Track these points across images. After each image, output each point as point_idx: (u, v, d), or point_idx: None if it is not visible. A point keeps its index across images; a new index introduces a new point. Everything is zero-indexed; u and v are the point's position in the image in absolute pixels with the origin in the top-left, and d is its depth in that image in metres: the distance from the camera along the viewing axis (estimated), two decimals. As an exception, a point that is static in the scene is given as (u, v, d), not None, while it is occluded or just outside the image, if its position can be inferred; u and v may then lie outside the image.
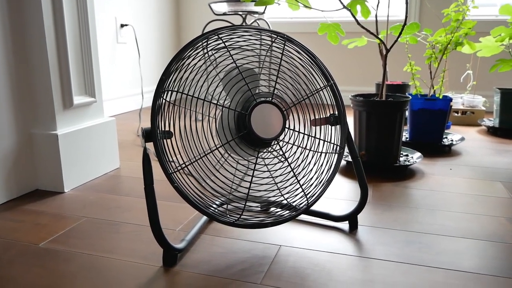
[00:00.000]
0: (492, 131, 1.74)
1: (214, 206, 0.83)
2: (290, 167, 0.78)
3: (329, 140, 0.83)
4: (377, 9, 1.18)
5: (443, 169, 1.25)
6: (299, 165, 0.80)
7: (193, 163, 0.73)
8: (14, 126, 1.02)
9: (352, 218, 0.87)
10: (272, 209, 0.90)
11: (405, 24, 1.18)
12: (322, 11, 1.20)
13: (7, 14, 0.98)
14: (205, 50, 0.77)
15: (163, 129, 0.76)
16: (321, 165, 0.82)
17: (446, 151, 1.45)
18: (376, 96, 1.32)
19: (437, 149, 1.45)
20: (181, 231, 0.86)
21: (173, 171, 0.72)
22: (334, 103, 0.86)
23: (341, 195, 1.05)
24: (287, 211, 0.79)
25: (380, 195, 1.05)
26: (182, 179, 0.72)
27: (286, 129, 0.78)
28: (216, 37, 0.78)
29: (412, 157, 1.29)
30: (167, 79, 0.75)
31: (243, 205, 0.74)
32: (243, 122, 0.76)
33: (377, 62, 2.45)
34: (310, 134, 0.81)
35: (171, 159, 0.74)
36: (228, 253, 0.77)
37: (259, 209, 0.88)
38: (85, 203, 1.00)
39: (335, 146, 0.84)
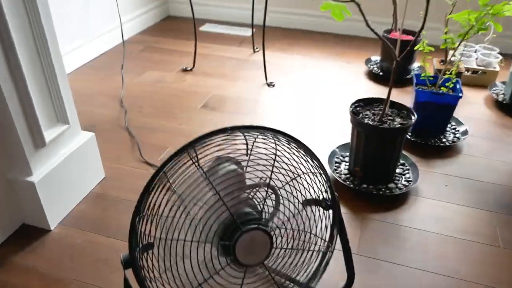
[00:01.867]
0: (499, 106, 1.63)
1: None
2: (276, 283, 0.76)
3: (319, 244, 0.79)
4: None
5: (438, 185, 1.22)
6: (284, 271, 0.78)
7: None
8: (-14, 173, 0.96)
9: (336, 299, 0.89)
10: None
11: None
12: None
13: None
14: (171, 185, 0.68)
15: (142, 243, 0.72)
16: (308, 265, 0.80)
17: (447, 150, 1.38)
18: (380, 104, 1.21)
19: (437, 148, 1.38)
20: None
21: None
22: (330, 194, 0.80)
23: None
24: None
25: (369, 240, 1.04)
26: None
27: (273, 249, 0.74)
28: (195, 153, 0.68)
29: (408, 169, 1.24)
30: (141, 215, 0.68)
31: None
32: (228, 248, 0.71)
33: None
34: (301, 248, 0.77)
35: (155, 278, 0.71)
36: None
37: None
38: (72, 253, 0.99)
39: (324, 243, 0.81)
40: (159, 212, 0.68)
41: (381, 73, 1.82)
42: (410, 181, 1.20)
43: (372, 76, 1.84)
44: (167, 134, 1.44)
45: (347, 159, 1.28)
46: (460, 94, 1.33)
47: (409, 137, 1.39)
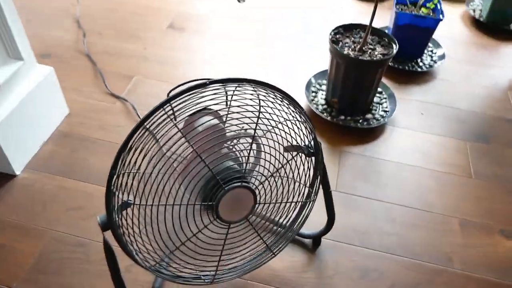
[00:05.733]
0: (476, 24, 1.58)
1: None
2: (260, 236, 0.76)
3: (301, 199, 0.78)
4: None
5: (415, 114, 1.21)
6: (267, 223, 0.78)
7: (163, 260, 0.70)
8: None
9: (316, 238, 0.91)
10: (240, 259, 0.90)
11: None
12: None
13: None
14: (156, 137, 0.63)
15: (119, 202, 0.69)
16: (291, 214, 0.80)
17: (424, 74, 1.36)
18: (360, 31, 1.14)
19: (414, 73, 1.35)
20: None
21: (146, 266, 0.69)
22: (313, 140, 0.77)
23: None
24: (257, 259, 0.81)
25: (347, 176, 1.05)
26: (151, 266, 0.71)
27: (257, 205, 0.73)
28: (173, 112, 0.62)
29: (385, 99, 1.22)
30: (116, 174, 0.63)
31: (215, 271, 0.76)
32: (210, 207, 0.69)
33: None
34: (285, 201, 0.75)
35: (136, 238, 0.70)
36: (199, 295, 0.82)
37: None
38: (44, 200, 0.95)
39: (305, 201, 0.80)
40: (138, 171, 0.64)
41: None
42: (387, 111, 1.18)
43: (350, -10, 1.73)
44: (132, 59, 1.33)
45: (324, 87, 1.24)
46: (441, 17, 1.27)
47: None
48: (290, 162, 0.73)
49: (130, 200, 0.67)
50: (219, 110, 0.69)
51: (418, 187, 1.04)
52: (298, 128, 0.73)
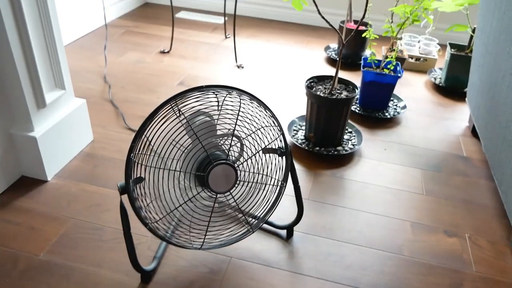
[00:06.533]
0: (436, 88, 1.90)
1: (177, 231, 1.02)
2: (240, 209, 0.97)
3: (274, 180, 1.01)
4: None
5: (379, 149, 1.46)
6: (247, 201, 0.99)
7: (164, 217, 0.90)
8: (-6, 128, 1.12)
9: (289, 228, 1.10)
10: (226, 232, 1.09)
11: None
12: None
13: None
14: (177, 115, 0.88)
15: (134, 176, 0.91)
16: (267, 197, 1.01)
17: (389, 121, 1.63)
18: (330, 81, 1.43)
19: (380, 120, 1.63)
20: (153, 238, 1.07)
21: (149, 222, 0.90)
22: (283, 144, 1.01)
23: (286, 205, 1.26)
24: (238, 233, 1.00)
25: (319, 189, 1.27)
26: (153, 222, 0.91)
27: (238, 181, 0.95)
28: (176, 105, 0.88)
29: (354, 136, 1.47)
30: (135, 146, 0.87)
31: (204, 235, 0.95)
32: (202, 178, 0.91)
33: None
34: (260, 182, 0.98)
35: (144, 205, 0.91)
36: (190, 267, 1.00)
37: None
38: (69, 199, 1.17)
39: (278, 181, 1.02)
40: (149, 149, 0.87)
41: (338, 59, 2.05)
42: (355, 145, 1.43)
43: (330, 61, 2.08)
44: (148, 106, 1.62)
45: (303, 127, 1.50)
46: (399, 75, 1.57)
47: (357, 111, 1.63)
48: (265, 156, 0.97)
49: (142, 177, 0.90)
50: (211, 111, 0.95)
51: (379, 200, 1.24)
52: (272, 131, 0.98)
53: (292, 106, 1.68)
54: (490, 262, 1.07)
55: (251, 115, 0.96)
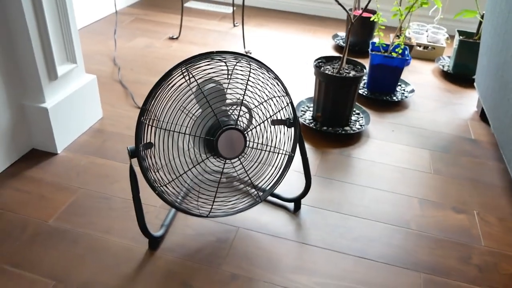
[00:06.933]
0: (444, 75, 1.89)
1: (186, 200, 1.03)
2: (248, 176, 0.97)
3: (283, 149, 1.01)
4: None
5: (386, 131, 1.46)
6: (255, 169, 0.99)
7: (173, 181, 0.91)
8: (6, 98, 1.13)
9: (296, 201, 1.11)
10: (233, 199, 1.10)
11: None
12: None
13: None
14: (186, 79, 0.89)
15: (144, 141, 0.92)
16: (275, 167, 1.01)
17: (396, 105, 1.63)
18: (338, 61, 1.44)
19: (388, 103, 1.63)
20: (161, 208, 1.08)
21: (158, 185, 0.90)
22: (292, 114, 1.02)
23: (293, 180, 1.26)
24: (246, 201, 1.01)
25: (326, 166, 1.27)
26: (162, 185, 0.92)
27: (247, 148, 0.95)
28: (187, 70, 0.89)
29: (362, 117, 1.47)
30: (147, 109, 0.88)
31: (212, 202, 0.96)
32: (212, 143, 0.92)
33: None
34: (268, 150, 0.98)
35: (154, 172, 0.91)
36: (198, 235, 1.01)
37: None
38: (78, 170, 1.19)
39: (287, 153, 1.02)
40: (160, 112, 0.88)
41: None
42: (363, 125, 1.43)
43: (338, 48, 2.08)
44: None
45: (311, 108, 1.50)
46: (407, 58, 1.57)
47: (365, 95, 1.63)
48: (268, 121, 0.97)
49: (152, 143, 0.91)
50: (221, 79, 0.96)
51: (386, 177, 1.24)
52: (280, 102, 0.98)
53: (300, 89, 1.69)
54: (499, 237, 1.06)
55: (260, 86, 0.97)
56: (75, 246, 0.96)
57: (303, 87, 1.71)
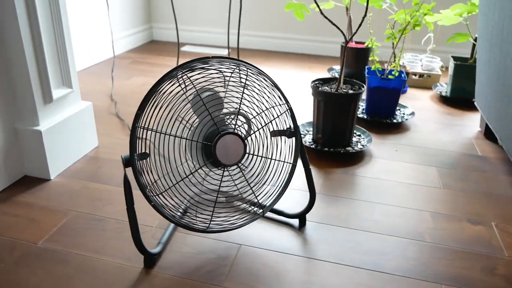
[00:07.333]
0: (443, 100, 1.89)
1: (185, 216, 0.97)
2: (250, 186, 0.92)
3: (283, 159, 0.97)
4: None
5: (390, 151, 1.42)
6: (256, 178, 0.94)
7: (170, 189, 0.86)
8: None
9: (301, 216, 1.04)
10: (235, 215, 1.05)
11: None
12: None
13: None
14: (181, 82, 0.86)
15: (140, 151, 0.88)
16: (277, 178, 0.96)
17: (397, 127, 1.61)
18: (336, 82, 1.43)
19: (389, 125, 1.60)
20: (157, 228, 1.01)
21: (153, 195, 0.85)
22: (292, 123, 0.98)
23: (295, 195, 1.21)
24: (247, 217, 0.95)
25: (330, 185, 1.22)
26: (158, 198, 0.86)
27: (247, 154, 0.91)
28: (185, 73, 0.87)
29: (363, 138, 1.44)
30: (142, 113, 0.85)
31: (210, 216, 0.89)
32: (210, 150, 0.88)
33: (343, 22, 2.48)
34: (268, 157, 0.94)
35: (149, 181, 0.86)
36: (197, 253, 0.94)
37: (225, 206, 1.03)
38: (71, 194, 1.13)
39: (289, 163, 0.98)
40: (155, 121, 0.84)
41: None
42: (365, 145, 1.39)
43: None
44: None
45: (311, 132, 1.47)
46: (405, 79, 1.57)
47: (365, 117, 1.61)
48: (273, 139, 0.94)
49: (147, 153, 0.87)
50: (218, 88, 0.94)
51: (394, 193, 1.19)
52: (279, 110, 0.95)
53: (298, 114, 1.66)
54: (520, 246, 0.99)
55: (257, 94, 0.94)
56: (65, 266, 0.88)
57: (301, 113, 1.69)
